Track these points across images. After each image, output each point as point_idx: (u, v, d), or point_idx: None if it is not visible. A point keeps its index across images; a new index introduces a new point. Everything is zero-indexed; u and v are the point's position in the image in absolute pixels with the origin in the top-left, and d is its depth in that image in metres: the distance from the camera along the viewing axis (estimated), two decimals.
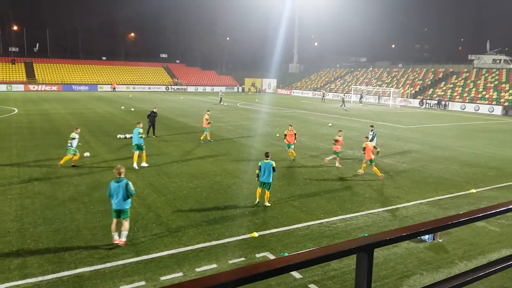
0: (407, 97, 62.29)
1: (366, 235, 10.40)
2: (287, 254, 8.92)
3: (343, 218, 11.81)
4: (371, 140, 19.97)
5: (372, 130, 20.64)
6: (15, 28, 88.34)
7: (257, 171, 12.62)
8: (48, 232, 10.16)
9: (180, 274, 8.35)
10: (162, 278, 8.17)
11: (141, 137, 17.12)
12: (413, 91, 63.95)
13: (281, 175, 16.54)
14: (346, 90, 72.96)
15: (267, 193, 12.63)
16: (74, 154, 16.63)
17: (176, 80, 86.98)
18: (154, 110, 25.24)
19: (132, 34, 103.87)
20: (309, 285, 8.01)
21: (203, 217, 11.50)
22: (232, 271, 1.68)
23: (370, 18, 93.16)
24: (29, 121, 30.78)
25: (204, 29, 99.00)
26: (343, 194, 14.26)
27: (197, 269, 8.55)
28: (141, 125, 17.52)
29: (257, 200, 12.84)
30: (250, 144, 23.57)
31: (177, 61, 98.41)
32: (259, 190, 12.80)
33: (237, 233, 10.44)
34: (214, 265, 8.75)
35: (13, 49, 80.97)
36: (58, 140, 22.71)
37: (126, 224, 9.60)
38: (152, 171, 16.48)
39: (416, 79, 68.01)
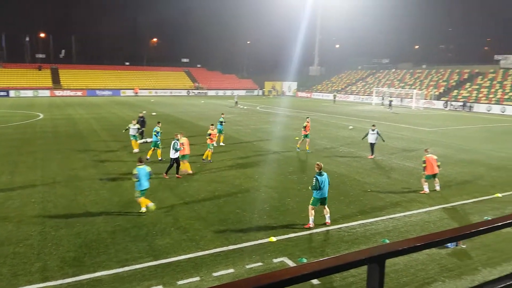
0: (430, 99, 61.05)
1: (387, 241, 10.16)
2: (306, 260, 8.73)
3: (363, 223, 11.59)
4: (375, 139, 20.48)
5: (373, 130, 20.39)
6: (42, 35, 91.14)
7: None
8: (69, 236, 10.32)
9: (197, 278, 8.33)
10: (179, 282, 8.17)
11: (222, 124, 24.21)
12: (437, 93, 62.62)
13: (299, 178, 16.39)
14: (368, 92, 71.99)
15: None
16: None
17: (197, 84, 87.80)
18: (140, 114, 24.63)
19: (155, 39, 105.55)
20: None
21: (221, 221, 11.48)
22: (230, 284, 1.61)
23: (393, 20, 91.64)
24: (54, 125, 31.52)
25: (225, 33, 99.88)
26: (363, 198, 14.00)
27: (214, 274, 8.51)
28: (223, 116, 25.49)
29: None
30: (268, 147, 23.48)
31: (198, 66, 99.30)
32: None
33: (254, 238, 10.36)
34: (231, 270, 8.69)
35: (40, 55, 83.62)
36: (81, 144, 23.18)
37: (327, 209, 11.37)
38: (170, 175, 16.57)
39: (440, 80, 66.60)
